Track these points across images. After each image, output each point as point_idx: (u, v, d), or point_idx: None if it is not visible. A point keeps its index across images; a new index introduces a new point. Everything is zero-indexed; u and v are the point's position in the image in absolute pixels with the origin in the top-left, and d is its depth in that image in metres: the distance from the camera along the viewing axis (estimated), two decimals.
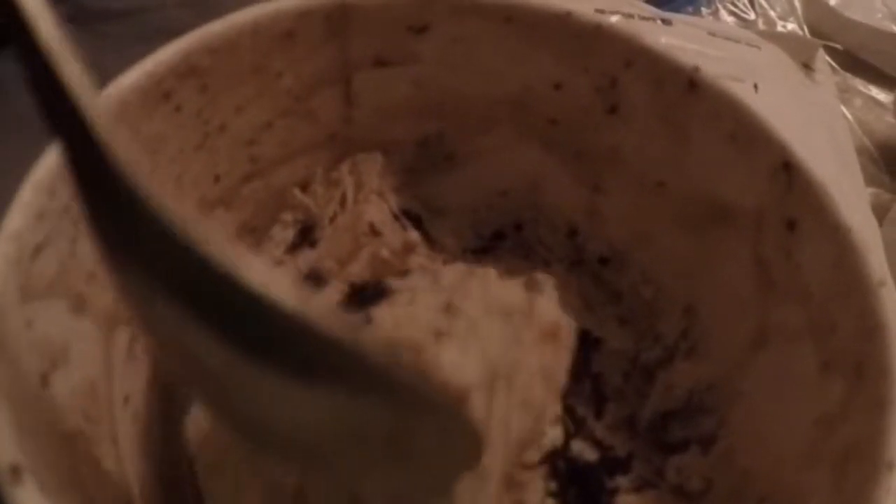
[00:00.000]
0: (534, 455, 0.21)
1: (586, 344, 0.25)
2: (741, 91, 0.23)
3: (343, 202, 0.25)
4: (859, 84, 0.37)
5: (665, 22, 0.33)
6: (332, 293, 0.22)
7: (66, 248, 0.20)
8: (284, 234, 0.25)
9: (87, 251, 0.21)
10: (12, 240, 0.19)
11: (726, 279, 0.23)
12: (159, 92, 0.22)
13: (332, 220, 0.25)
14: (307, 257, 0.24)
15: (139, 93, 0.21)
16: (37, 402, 0.18)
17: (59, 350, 0.20)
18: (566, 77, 0.24)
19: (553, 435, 0.21)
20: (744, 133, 0.23)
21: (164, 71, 0.22)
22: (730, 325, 0.23)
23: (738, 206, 0.23)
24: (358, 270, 0.22)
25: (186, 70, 0.22)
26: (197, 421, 0.22)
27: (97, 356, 0.21)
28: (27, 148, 0.31)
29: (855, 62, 0.38)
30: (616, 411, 0.24)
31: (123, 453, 0.21)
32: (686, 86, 0.23)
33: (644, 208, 0.25)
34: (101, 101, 0.21)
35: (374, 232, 0.24)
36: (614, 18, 0.25)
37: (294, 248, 0.24)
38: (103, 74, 0.32)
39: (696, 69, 0.23)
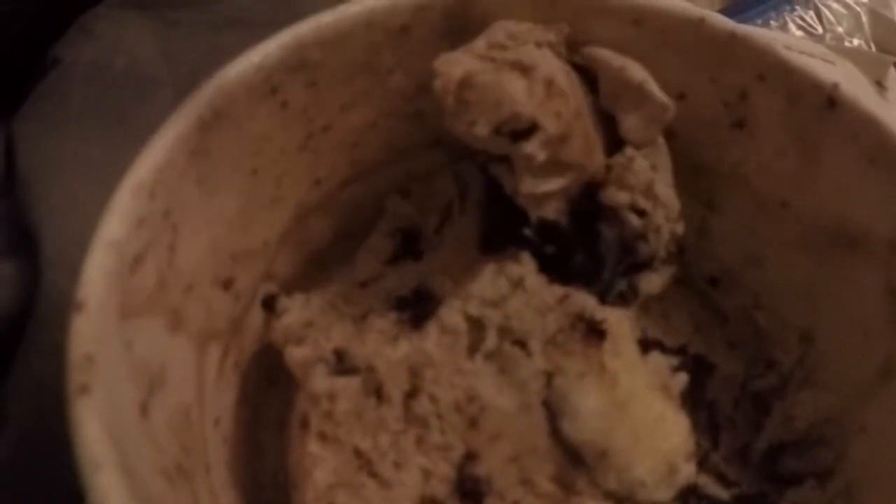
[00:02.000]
0: (667, 492, 0.17)
1: (700, 370, 0.21)
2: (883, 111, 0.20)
3: (448, 212, 0.21)
4: None
5: None
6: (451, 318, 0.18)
7: (164, 258, 0.16)
8: (384, 243, 0.21)
9: (186, 259, 0.17)
10: (112, 249, 0.15)
11: (851, 307, 0.20)
12: (267, 87, 0.18)
13: (437, 230, 0.21)
14: (412, 271, 0.20)
15: (245, 87, 0.18)
16: (138, 436, 0.15)
17: (157, 374, 0.16)
18: (691, 87, 0.20)
19: (687, 471, 0.18)
20: (884, 156, 0.19)
21: (273, 64, 0.18)
22: (853, 356, 0.20)
23: (870, 232, 0.19)
24: (478, 290, 0.18)
25: (297, 64, 0.18)
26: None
27: (191, 378, 0.17)
28: (85, 144, 0.27)
29: None
30: (729, 441, 0.21)
31: (215, 482, 0.18)
32: (825, 103, 0.19)
33: (762, 229, 0.21)
34: (206, 94, 0.18)
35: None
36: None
37: (396, 259, 0.21)
38: (175, 63, 0.28)
39: (836, 86, 0.19)
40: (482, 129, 0.17)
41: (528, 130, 0.18)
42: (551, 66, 0.19)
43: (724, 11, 0.34)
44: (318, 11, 0.25)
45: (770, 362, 0.21)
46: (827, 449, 0.20)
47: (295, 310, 0.19)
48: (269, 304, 0.20)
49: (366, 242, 0.21)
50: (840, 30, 0.35)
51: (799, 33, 0.35)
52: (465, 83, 0.17)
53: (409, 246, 0.21)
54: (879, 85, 0.31)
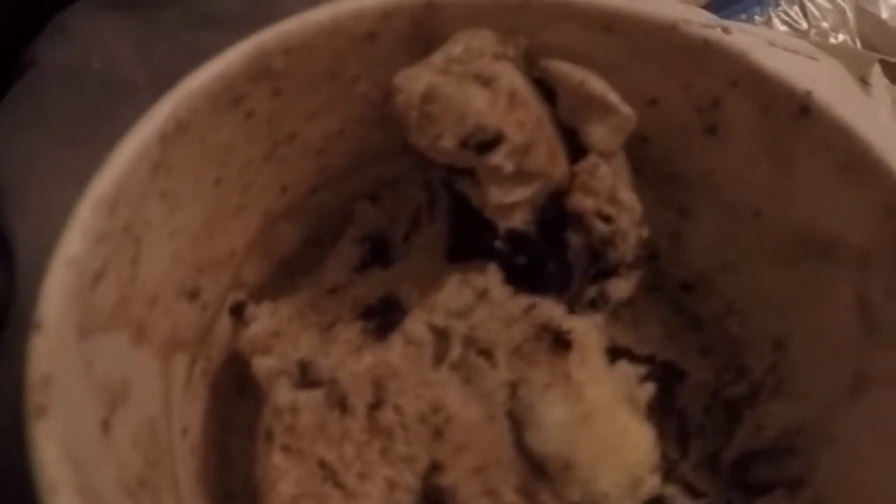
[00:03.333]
0: None
1: (671, 377, 0.21)
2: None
3: (417, 219, 0.21)
4: None
5: (725, 30, 0.29)
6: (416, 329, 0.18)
7: (127, 273, 0.16)
8: (353, 250, 0.21)
9: (149, 272, 0.17)
10: (71, 266, 0.15)
11: (822, 318, 0.20)
12: (230, 97, 0.18)
13: (406, 238, 0.21)
14: (380, 279, 0.20)
15: (208, 97, 0.17)
16: (99, 455, 0.15)
17: (120, 389, 0.16)
18: (663, 93, 0.20)
19: (652, 483, 0.18)
20: (856, 165, 0.19)
21: (236, 73, 0.18)
22: (824, 366, 0.20)
23: (842, 241, 0.19)
24: (443, 301, 0.18)
25: (260, 72, 0.18)
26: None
27: (156, 390, 0.17)
28: (61, 148, 0.27)
29: None
30: (699, 450, 0.21)
31: (184, 493, 0.18)
32: (797, 111, 0.19)
33: (734, 237, 0.21)
34: (168, 105, 0.17)
35: None
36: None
37: (364, 266, 0.21)
38: (153, 64, 0.28)
39: (809, 94, 0.19)
40: (448, 143, 0.17)
41: (494, 142, 0.17)
42: (512, 77, 0.19)
43: (708, 7, 0.33)
44: (298, 10, 0.25)
45: (742, 370, 0.21)
46: (797, 458, 0.20)
47: (263, 319, 0.19)
48: (238, 312, 0.20)
49: (335, 249, 0.21)
50: (825, 25, 0.35)
51: (783, 29, 0.34)
52: (428, 97, 0.17)
53: (377, 253, 0.21)
54: (864, 81, 0.31)
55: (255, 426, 0.19)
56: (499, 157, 0.18)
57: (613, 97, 0.19)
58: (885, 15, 0.35)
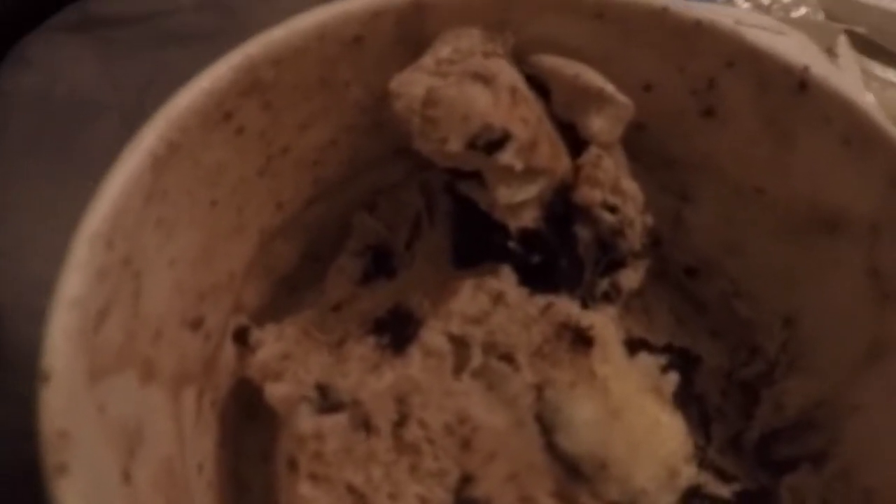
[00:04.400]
0: (670, 497, 0.17)
1: (686, 364, 0.21)
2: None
3: (417, 225, 0.20)
4: (876, 68, 0.34)
5: None
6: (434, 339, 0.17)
7: (130, 308, 0.15)
8: (354, 262, 0.20)
9: (152, 305, 0.16)
10: (73, 308, 0.14)
11: (833, 290, 0.20)
12: (220, 113, 0.17)
13: (408, 246, 0.20)
14: (386, 290, 0.19)
15: (197, 115, 0.16)
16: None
17: (135, 433, 0.15)
18: (658, 78, 0.20)
19: (688, 473, 0.17)
20: (858, 137, 0.19)
21: (225, 88, 0.17)
22: (837, 338, 0.20)
23: (849, 213, 0.19)
24: (459, 308, 0.18)
25: (249, 85, 0.17)
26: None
27: (169, 428, 0.16)
28: (30, 179, 0.25)
29: (869, 46, 0.35)
30: (721, 433, 0.21)
31: None
32: (796, 87, 0.19)
33: (738, 217, 0.21)
34: (157, 127, 0.16)
35: None
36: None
37: (368, 279, 0.20)
38: (119, 84, 0.26)
39: (807, 69, 0.19)
40: (455, 145, 0.16)
41: (501, 140, 0.17)
42: (510, 73, 0.18)
43: None
44: (263, 21, 0.24)
45: (754, 350, 0.21)
46: (819, 432, 0.20)
47: (269, 343, 0.18)
48: (241, 338, 0.19)
49: (335, 264, 0.20)
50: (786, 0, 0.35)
51: (746, 6, 0.34)
52: (430, 101, 0.17)
53: (380, 264, 0.20)
54: (830, 52, 0.31)
55: (269, 451, 0.18)
56: (508, 156, 0.17)
57: (610, 88, 0.19)
58: None
